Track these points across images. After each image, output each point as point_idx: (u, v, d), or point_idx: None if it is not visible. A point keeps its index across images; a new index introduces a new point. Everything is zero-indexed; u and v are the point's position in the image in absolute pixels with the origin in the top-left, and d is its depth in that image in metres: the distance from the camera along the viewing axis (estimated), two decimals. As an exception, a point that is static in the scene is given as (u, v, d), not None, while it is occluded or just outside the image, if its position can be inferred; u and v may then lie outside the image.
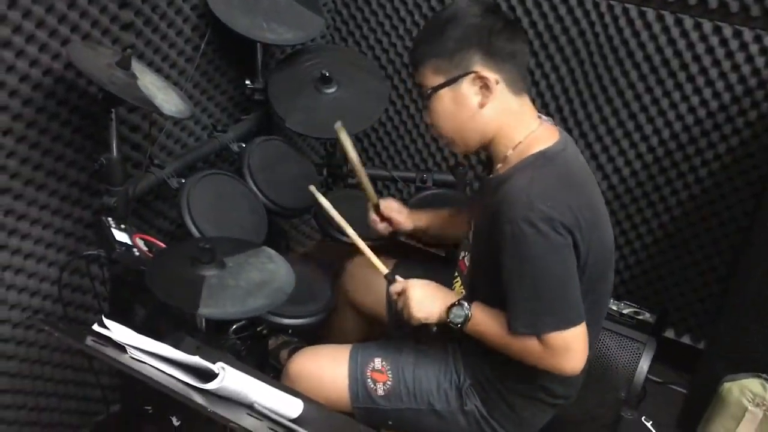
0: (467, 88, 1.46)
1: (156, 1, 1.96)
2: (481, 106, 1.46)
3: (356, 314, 2.03)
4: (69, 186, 1.87)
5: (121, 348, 1.03)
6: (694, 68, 2.24)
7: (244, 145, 2.10)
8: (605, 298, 1.62)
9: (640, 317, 2.37)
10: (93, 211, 1.93)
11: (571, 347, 1.43)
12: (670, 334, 2.63)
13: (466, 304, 1.52)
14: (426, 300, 1.56)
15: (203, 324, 1.56)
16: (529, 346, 1.44)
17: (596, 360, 2.30)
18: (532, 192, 1.37)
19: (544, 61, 2.44)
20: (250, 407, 1.07)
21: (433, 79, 1.48)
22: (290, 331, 2.24)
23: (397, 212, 1.83)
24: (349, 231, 1.69)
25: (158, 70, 2.03)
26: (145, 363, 1.01)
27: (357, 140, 2.90)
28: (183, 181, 1.89)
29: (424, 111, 1.56)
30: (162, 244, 1.72)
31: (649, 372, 2.45)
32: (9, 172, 1.70)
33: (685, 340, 2.62)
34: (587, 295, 1.45)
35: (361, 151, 2.92)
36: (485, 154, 1.62)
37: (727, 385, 1.91)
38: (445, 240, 1.91)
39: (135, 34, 1.93)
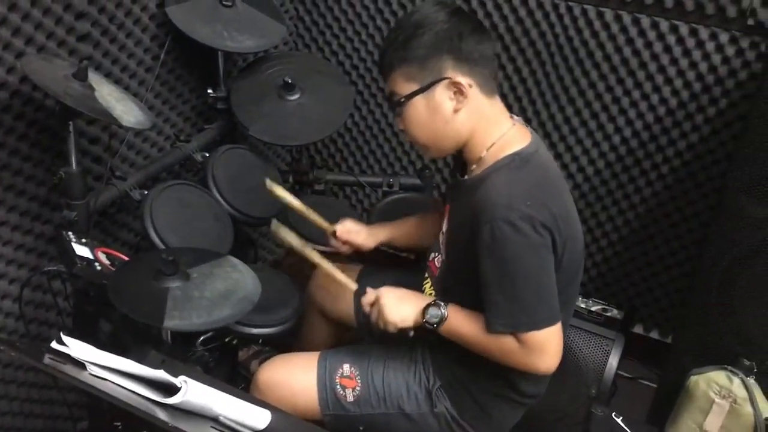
0: (441, 94, 1.45)
1: (113, 11, 1.94)
2: (456, 111, 1.46)
3: (326, 322, 2.02)
4: (28, 201, 1.83)
5: (80, 365, 1.01)
6: (652, 67, 2.27)
7: (207, 155, 2.08)
8: (574, 299, 1.63)
9: (608, 314, 2.40)
10: (54, 226, 1.89)
11: (547, 346, 1.44)
12: (638, 329, 2.67)
13: (441, 303, 1.52)
14: (400, 303, 1.56)
15: (169, 337, 1.54)
16: (506, 345, 1.44)
17: (566, 357, 2.32)
18: (511, 193, 1.38)
19: (506, 62, 2.46)
20: (215, 420, 1.06)
21: (405, 87, 1.47)
22: (260, 341, 2.23)
23: (355, 234, 1.82)
24: (308, 252, 1.70)
25: (117, 81, 2.01)
26: (106, 380, 0.99)
27: (324, 146, 2.90)
28: (146, 192, 1.86)
29: (396, 118, 1.55)
30: (125, 257, 1.70)
31: (619, 368, 2.48)
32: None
33: (654, 335, 2.66)
34: (559, 296, 1.46)
35: (328, 157, 2.92)
36: (458, 156, 1.61)
37: (693, 378, 1.93)
38: (413, 249, 1.90)
39: (92, 45, 1.90)
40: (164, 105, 2.24)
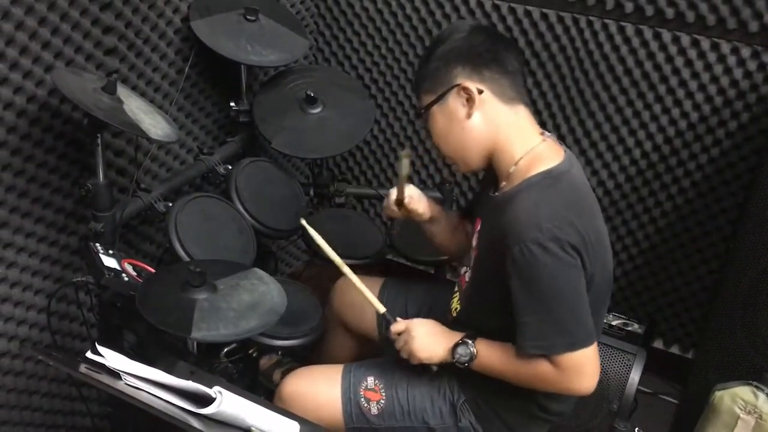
0: (453, 102, 1.48)
1: (140, 26, 1.96)
2: (468, 116, 1.47)
3: (347, 334, 2.02)
4: (55, 212, 1.86)
5: (115, 375, 1.02)
6: (673, 81, 2.27)
7: (230, 167, 2.09)
8: (602, 320, 1.62)
9: (629, 329, 2.38)
10: (79, 238, 1.91)
11: (583, 368, 1.42)
12: (658, 344, 2.65)
13: (470, 341, 1.51)
14: (429, 340, 1.56)
15: (195, 348, 1.55)
16: (540, 369, 1.42)
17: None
18: (540, 213, 1.37)
19: (525, 76, 2.46)
20: (247, 431, 1.06)
21: (425, 100, 1.52)
22: (280, 351, 2.23)
23: (417, 201, 1.76)
24: (346, 270, 1.69)
25: (142, 95, 2.03)
26: (141, 389, 1.00)
27: (343, 158, 2.91)
28: (170, 204, 1.88)
29: (429, 134, 1.59)
30: (151, 269, 1.71)
31: (639, 383, 2.46)
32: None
33: (674, 350, 2.64)
34: (592, 316, 1.44)
35: (347, 170, 2.93)
36: (491, 171, 1.60)
37: (718, 393, 1.92)
38: (444, 247, 1.85)
39: (119, 59, 1.93)
40: (187, 118, 2.26)
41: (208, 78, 2.28)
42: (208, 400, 1.00)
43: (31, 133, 1.73)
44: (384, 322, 1.66)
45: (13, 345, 1.79)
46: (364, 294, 1.67)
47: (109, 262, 1.58)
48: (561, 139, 2.48)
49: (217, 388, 1.01)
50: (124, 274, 1.57)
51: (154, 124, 1.67)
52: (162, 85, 2.11)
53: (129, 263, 1.65)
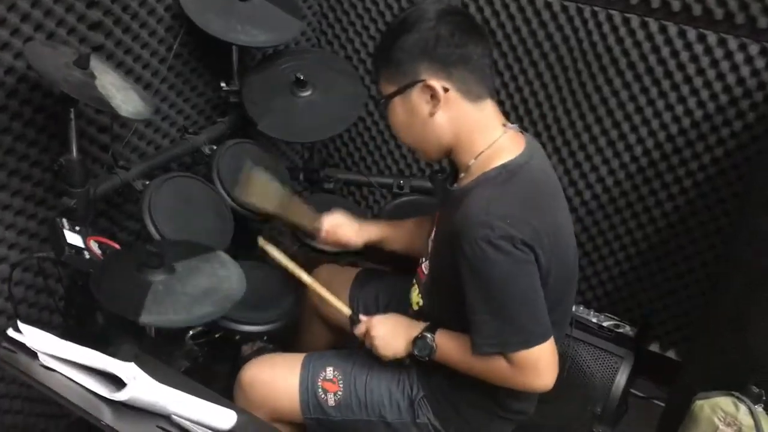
0: (417, 97, 1.43)
1: (127, 2, 1.94)
2: (431, 115, 1.42)
3: (323, 324, 1.99)
4: (33, 186, 1.85)
5: (32, 354, 1.00)
6: (678, 76, 2.18)
7: (215, 148, 2.07)
8: (566, 316, 1.58)
9: (620, 330, 2.33)
10: (58, 212, 1.91)
11: (539, 364, 1.40)
12: (655, 348, 2.58)
13: (429, 335, 1.49)
14: (390, 338, 1.55)
15: (152, 331, 1.53)
16: (496, 366, 1.41)
17: (572, 373, 2.26)
18: (491, 211, 1.33)
19: (527, 67, 2.40)
20: (167, 419, 1.04)
21: (386, 88, 1.47)
22: (265, 338, 2.21)
23: (343, 228, 1.76)
24: (305, 277, 1.67)
25: (129, 71, 2.02)
26: (56, 372, 0.98)
27: (343, 144, 2.87)
28: (147, 183, 1.86)
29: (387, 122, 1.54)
30: (118, 247, 1.70)
31: (634, 387, 2.40)
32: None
33: (671, 354, 2.56)
34: (549, 314, 1.41)
35: (347, 155, 2.89)
36: (450, 163, 1.58)
37: (699, 402, 1.84)
38: (407, 253, 1.81)
39: (104, 35, 1.91)
40: (178, 97, 2.24)
41: (200, 56, 2.25)
42: (123, 384, 0.98)
43: (9, 105, 1.72)
44: (350, 323, 1.64)
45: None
46: (330, 302, 1.66)
47: (73, 239, 1.57)
48: (561, 132, 2.42)
49: (132, 374, 0.99)
50: (86, 252, 1.55)
51: (125, 100, 1.65)
52: (151, 62, 2.09)
53: (96, 240, 1.63)
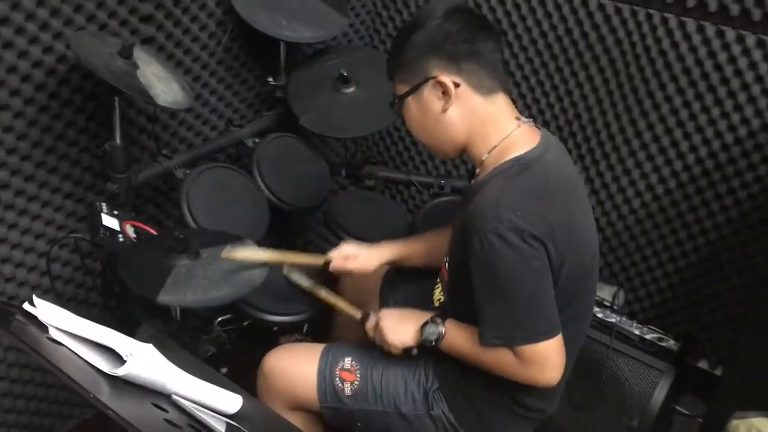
0: (429, 95, 1.43)
1: (178, -4, 2.01)
2: (444, 111, 1.42)
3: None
4: (82, 171, 1.93)
5: (43, 328, 1.04)
6: (735, 84, 2.09)
7: (257, 141, 2.11)
8: (585, 314, 1.54)
9: (663, 344, 2.24)
10: (103, 197, 1.98)
11: (545, 360, 1.38)
12: (704, 364, 2.48)
13: (439, 320, 1.49)
14: (398, 325, 1.55)
15: (178, 314, 1.58)
16: (502, 358, 1.40)
17: (610, 384, 2.20)
18: (501, 203, 1.32)
19: (578, 70, 2.35)
20: (167, 397, 1.06)
21: (400, 89, 1.48)
22: (305, 329, 2.24)
23: (352, 259, 1.74)
24: (317, 291, 1.74)
25: (179, 64, 2.08)
26: (63, 345, 1.02)
27: (381, 140, 2.86)
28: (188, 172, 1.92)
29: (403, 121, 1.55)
30: (155, 233, 1.75)
31: (680, 404, 2.32)
32: (20, 155, 1.77)
33: (718, 372, 2.46)
34: (562, 311, 1.39)
35: (396, 154, 2.89)
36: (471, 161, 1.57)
37: (735, 422, 1.76)
38: (427, 267, 1.78)
39: (156, 27, 1.98)
40: (227, 90, 2.30)
41: (249, 51, 2.30)
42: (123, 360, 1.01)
43: (60, 92, 1.81)
44: (361, 323, 1.65)
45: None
46: (341, 308, 1.72)
47: (109, 222, 1.63)
48: (610, 138, 2.36)
49: (130, 351, 1.01)
50: (120, 235, 1.61)
51: (166, 90, 1.70)
52: (201, 55, 2.15)
53: (132, 225, 1.69)
